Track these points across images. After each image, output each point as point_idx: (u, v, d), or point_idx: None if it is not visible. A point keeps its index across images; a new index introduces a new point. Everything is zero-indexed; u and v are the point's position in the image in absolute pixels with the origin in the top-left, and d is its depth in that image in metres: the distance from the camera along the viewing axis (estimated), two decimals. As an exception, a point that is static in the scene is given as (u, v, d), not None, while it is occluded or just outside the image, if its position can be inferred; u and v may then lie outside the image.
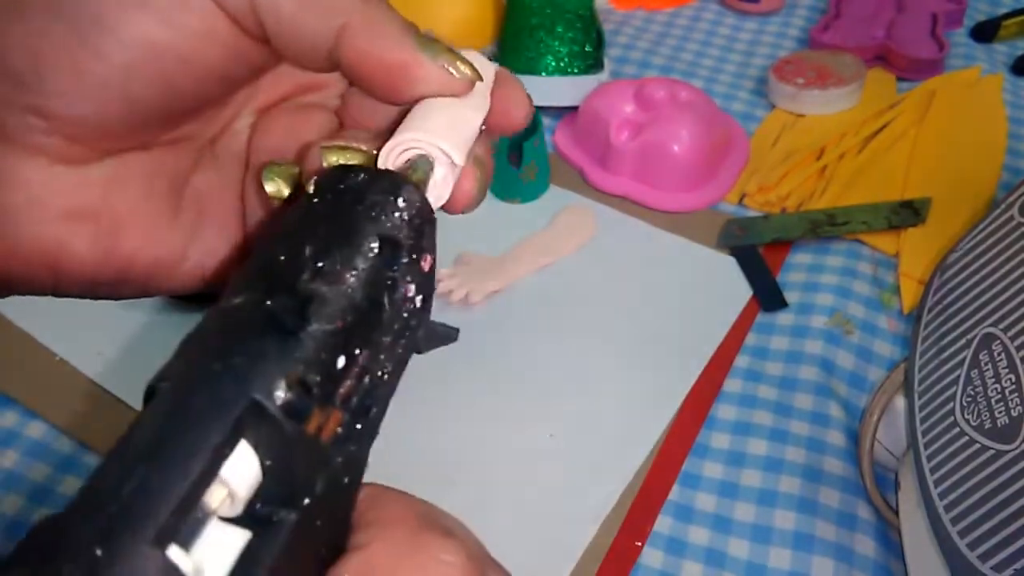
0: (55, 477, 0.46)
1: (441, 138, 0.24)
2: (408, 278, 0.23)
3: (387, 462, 0.47)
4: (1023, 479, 0.34)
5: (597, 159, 0.62)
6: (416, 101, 0.25)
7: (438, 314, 0.55)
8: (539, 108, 0.63)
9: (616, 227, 0.59)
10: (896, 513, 0.42)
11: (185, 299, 0.51)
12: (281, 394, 0.19)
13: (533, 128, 0.60)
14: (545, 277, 0.55)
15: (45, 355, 0.51)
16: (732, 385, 0.49)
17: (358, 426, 0.21)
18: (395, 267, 0.22)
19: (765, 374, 0.50)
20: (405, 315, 0.23)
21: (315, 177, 0.23)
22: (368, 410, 0.22)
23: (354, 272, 0.21)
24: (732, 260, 0.56)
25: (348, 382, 0.21)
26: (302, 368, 0.19)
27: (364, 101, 0.28)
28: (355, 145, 0.25)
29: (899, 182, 0.60)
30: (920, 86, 0.68)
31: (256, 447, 0.19)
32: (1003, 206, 0.46)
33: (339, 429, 0.20)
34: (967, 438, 0.37)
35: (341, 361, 0.20)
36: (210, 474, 0.18)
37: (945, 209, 0.57)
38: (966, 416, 0.38)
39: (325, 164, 0.25)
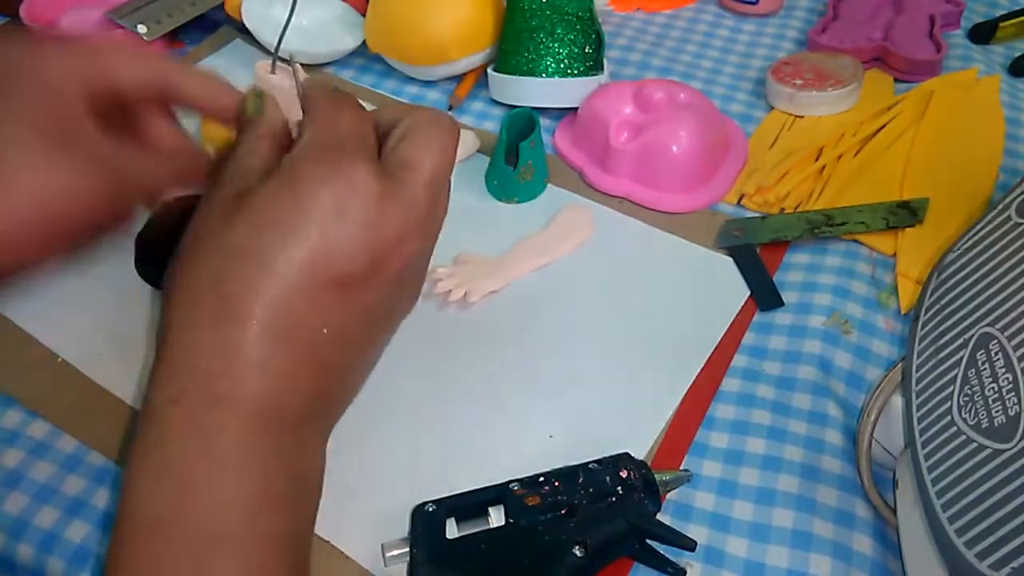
0: (58, 476, 0.46)
1: None
2: None
3: (386, 461, 0.47)
4: (1020, 478, 0.34)
5: (596, 160, 0.62)
6: None
7: (436, 313, 0.55)
8: (538, 109, 0.63)
9: (614, 227, 0.59)
10: (894, 511, 0.42)
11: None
12: None
13: (529, 129, 0.60)
14: (543, 277, 0.56)
15: (46, 356, 0.51)
16: (730, 384, 0.50)
17: None
18: None
19: (763, 373, 0.50)
20: None
21: None
22: None
23: None
24: (730, 260, 0.56)
25: None
26: None
27: None
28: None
29: (897, 183, 0.60)
30: (918, 87, 0.68)
31: None
32: (1000, 206, 0.46)
33: None
34: (964, 437, 0.37)
35: None
36: None
37: (942, 209, 0.57)
38: (963, 415, 0.38)
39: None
